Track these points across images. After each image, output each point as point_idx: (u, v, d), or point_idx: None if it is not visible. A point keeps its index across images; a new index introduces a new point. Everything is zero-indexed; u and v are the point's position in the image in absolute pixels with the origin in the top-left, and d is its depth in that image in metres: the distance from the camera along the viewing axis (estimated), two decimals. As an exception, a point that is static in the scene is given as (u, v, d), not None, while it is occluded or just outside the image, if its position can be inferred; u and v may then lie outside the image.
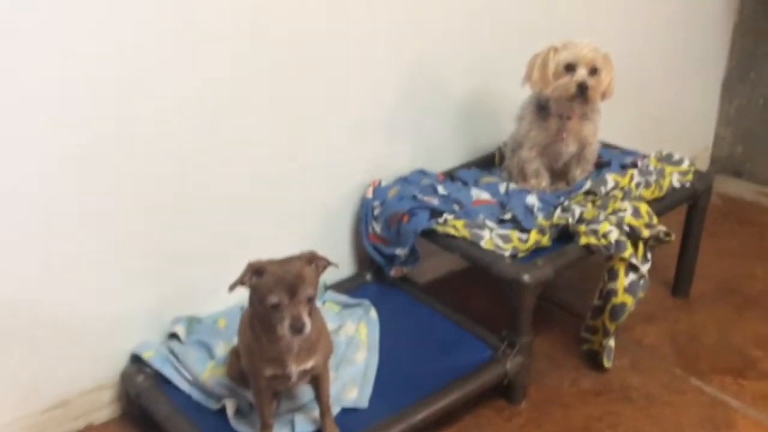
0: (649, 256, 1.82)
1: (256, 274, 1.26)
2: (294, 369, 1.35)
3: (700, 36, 2.73)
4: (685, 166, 1.99)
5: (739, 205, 2.76)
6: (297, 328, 1.23)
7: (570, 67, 1.80)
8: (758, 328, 2.03)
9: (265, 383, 1.39)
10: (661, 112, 2.70)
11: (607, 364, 1.84)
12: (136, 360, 1.63)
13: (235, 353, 1.50)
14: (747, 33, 2.77)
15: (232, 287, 1.25)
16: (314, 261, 1.30)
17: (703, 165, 2.97)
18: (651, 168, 1.99)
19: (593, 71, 1.80)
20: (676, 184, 1.95)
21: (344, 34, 1.78)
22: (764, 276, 2.26)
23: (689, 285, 2.16)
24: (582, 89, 1.79)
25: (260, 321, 1.30)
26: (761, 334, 2.00)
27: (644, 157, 2.04)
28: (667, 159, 2.04)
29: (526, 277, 1.63)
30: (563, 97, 1.82)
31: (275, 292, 1.22)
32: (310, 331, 1.29)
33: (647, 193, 1.89)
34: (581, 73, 1.79)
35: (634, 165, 1.99)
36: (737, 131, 2.91)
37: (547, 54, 1.82)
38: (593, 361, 1.86)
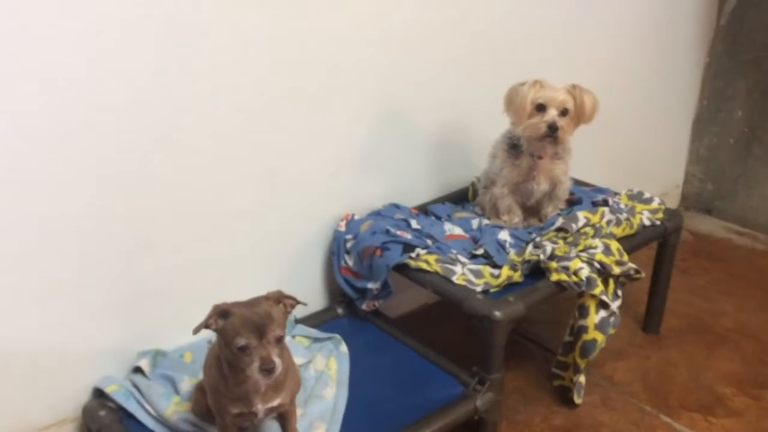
0: (619, 292, 1.83)
1: (221, 316, 1.23)
2: (260, 407, 1.33)
3: (671, 77, 2.79)
4: (655, 204, 2.02)
5: (709, 241, 2.80)
6: (267, 369, 1.21)
7: (541, 107, 1.82)
8: (728, 365, 2.04)
9: (230, 421, 1.36)
10: (633, 151, 2.75)
11: (577, 400, 1.83)
12: (99, 394, 1.59)
13: (200, 389, 1.47)
14: (717, 74, 2.84)
15: (196, 330, 1.23)
16: (282, 300, 1.29)
17: (674, 202, 3.02)
18: (622, 206, 2.01)
19: (564, 112, 1.83)
20: (647, 222, 1.97)
21: (319, 69, 1.79)
22: (734, 313, 2.28)
23: (660, 321, 2.17)
24: (552, 130, 1.82)
25: (228, 363, 1.27)
26: (730, 371, 2.02)
27: (615, 194, 2.07)
28: (638, 197, 2.07)
29: (497, 314, 1.63)
30: (534, 137, 1.84)
31: (243, 334, 1.20)
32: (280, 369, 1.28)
33: (618, 231, 1.90)
34: (551, 113, 1.82)
35: (605, 203, 2.01)
36: (708, 169, 2.97)
37: (521, 90, 1.84)
38: (564, 397, 1.86)
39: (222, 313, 1.24)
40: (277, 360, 1.21)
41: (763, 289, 2.44)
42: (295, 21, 1.71)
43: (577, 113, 1.85)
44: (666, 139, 2.92)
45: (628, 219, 1.93)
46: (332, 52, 1.81)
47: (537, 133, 1.83)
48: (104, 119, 1.47)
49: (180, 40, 1.53)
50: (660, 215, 2.00)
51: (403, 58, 1.96)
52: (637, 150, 2.77)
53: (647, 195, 2.06)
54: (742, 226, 2.88)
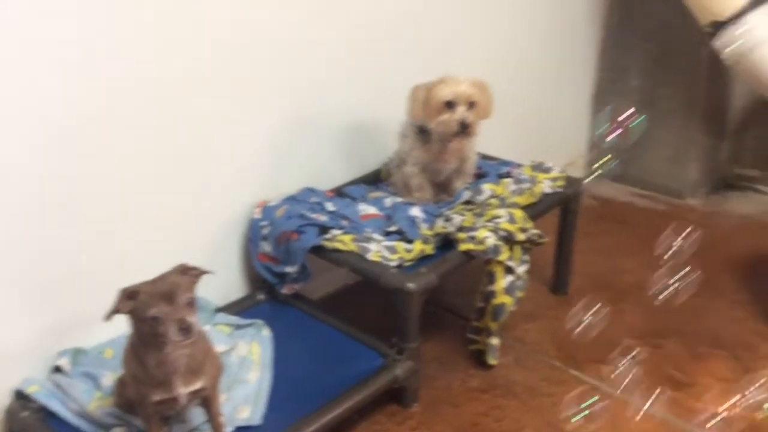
0: (526, 257, 1.95)
1: (129, 298, 1.27)
2: (182, 391, 1.37)
3: (570, 51, 2.93)
4: (555, 173, 2.14)
5: (613, 206, 2.97)
6: (184, 329, 1.26)
7: (450, 104, 1.90)
8: (630, 318, 2.20)
9: (153, 409, 1.40)
10: (537, 124, 2.89)
11: (492, 361, 1.95)
12: (21, 396, 1.59)
13: (121, 382, 1.50)
14: (614, 45, 2.99)
15: (107, 316, 1.26)
16: (187, 271, 1.34)
17: (580, 171, 3.18)
18: (524, 176, 2.12)
19: (471, 105, 1.91)
20: (548, 190, 2.09)
21: (232, 57, 1.82)
22: (634, 269, 2.44)
23: (567, 283, 2.31)
24: (463, 127, 1.91)
25: (145, 342, 1.31)
26: (632, 324, 2.17)
27: (519, 166, 2.18)
28: (539, 167, 2.18)
29: (410, 285, 1.72)
30: (446, 133, 1.93)
31: (153, 305, 1.25)
32: (196, 349, 1.32)
33: (521, 200, 2.02)
34: (461, 110, 1.90)
35: (509, 175, 2.13)
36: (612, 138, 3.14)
37: (426, 90, 1.92)
38: (480, 360, 1.96)
39: (130, 294, 1.28)
40: (191, 319, 1.26)
41: (656, 243, 2.61)
42: (205, 8, 1.74)
43: (480, 110, 1.94)
44: (568, 111, 3.06)
45: (530, 188, 2.05)
46: (243, 38, 1.84)
47: (449, 131, 1.92)
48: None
49: (87, 26, 1.53)
50: (561, 183, 2.13)
51: (312, 45, 2.00)
52: (541, 123, 2.91)
53: (548, 165, 2.18)
54: (643, 189, 3.06)
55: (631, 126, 2.16)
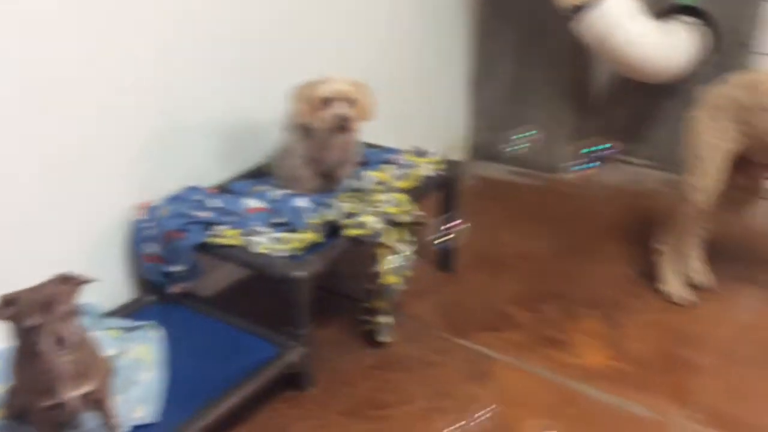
0: (413, 239, 2.04)
1: (8, 304, 1.27)
2: (69, 396, 1.37)
3: (445, 40, 3.06)
4: (435, 157, 2.25)
5: (495, 185, 3.13)
6: (60, 341, 1.26)
7: (328, 101, 1.97)
8: (511, 287, 2.34)
9: (43, 416, 1.39)
10: (419, 112, 3.01)
11: (384, 339, 2.03)
12: None
13: (11, 392, 1.47)
14: (485, 34, 3.15)
15: None
16: (67, 281, 1.34)
17: (463, 154, 3.33)
18: (406, 162, 2.22)
19: (350, 102, 1.99)
20: (429, 174, 2.20)
21: (104, 62, 1.81)
22: (511, 242, 2.61)
23: (453, 260, 2.43)
24: (342, 121, 1.98)
25: (25, 350, 1.30)
26: (513, 292, 2.32)
27: (400, 153, 2.28)
28: (420, 153, 2.28)
29: (297, 274, 1.77)
30: (326, 128, 1.99)
31: (30, 314, 1.25)
32: (81, 354, 1.33)
33: (404, 184, 2.11)
34: (339, 106, 1.97)
35: (391, 161, 2.22)
36: (490, 121, 3.29)
37: (307, 88, 1.99)
38: (373, 339, 2.05)
39: (8, 301, 1.27)
40: (66, 331, 1.27)
41: (537, 218, 2.80)
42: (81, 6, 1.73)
43: (359, 109, 2.02)
44: (448, 98, 3.20)
45: (411, 173, 2.15)
46: (115, 40, 1.83)
47: (328, 126, 1.98)
48: None
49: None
50: (440, 166, 2.24)
51: (184, 46, 2.01)
52: (423, 110, 3.03)
53: (429, 150, 2.29)
54: (522, 167, 3.24)
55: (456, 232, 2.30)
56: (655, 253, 2.29)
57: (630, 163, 3.23)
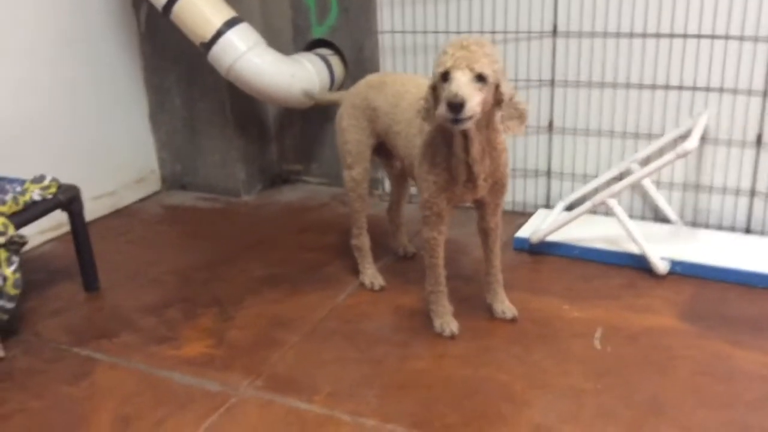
0: (14, 258, 2.18)
1: None
2: None
3: (117, 80, 3.28)
4: (46, 183, 2.41)
5: (177, 211, 3.36)
6: None
7: None
8: (147, 298, 2.53)
9: None
10: (103, 149, 3.24)
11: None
12: None
13: None
14: (154, 71, 3.39)
15: None
16: None
17: (154, 185, 3.53)
18: (10, 187, 2.37)
19: None
20: (37, 198, 2.35)
21: None
22: (170, 259, 2.83)
23: (96, 279, 2.59)
24: None
25: None
26: (147, 302, 2.50)
27: (14, 181, 2.42)
28: (36, 180, 2.43)
29: None
30: None
31: None
32: None
33: (5, 209, 2.25)
34: None
35: (7, 189, 2.36)
36: (172, 152, 3.53)
37: None
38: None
39: None
40: None
41: (205, 237, 3.04)
42: None
43: None
44: (131, 133, 3.40)
45: (15, 198, 2.30)
46: None
47: None
48: None
49: None
50: (53, 190, 2.41)
51: None
52: (106, 148, 3.26)
53: (46, 177, 2.44)
54: (207, 192, 3.49)
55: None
56: (353, 249, 2.57)
57: (306, 182, 3.59)
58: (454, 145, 1.97)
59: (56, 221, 2.92)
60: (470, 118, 1.79)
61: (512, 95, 1.91)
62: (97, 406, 1.97)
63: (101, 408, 1.96)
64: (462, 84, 1.77)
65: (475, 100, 1.78)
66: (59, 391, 2.04)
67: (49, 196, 2.37)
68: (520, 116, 1.92)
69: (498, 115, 1.93)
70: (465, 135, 1.92)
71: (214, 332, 2.31)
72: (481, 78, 1.80)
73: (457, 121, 1.79)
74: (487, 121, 1.93)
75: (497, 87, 1.88)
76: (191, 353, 2.21)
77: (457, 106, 1.75)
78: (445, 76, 1.81)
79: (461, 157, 1.98)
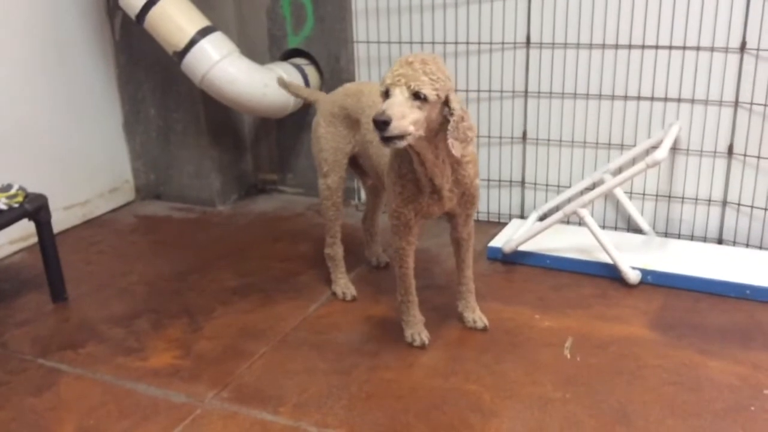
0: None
1: None
2: None
3: (90, 90, 3.26)
4: (12, 191, 2.38)
5: (151, 221, 3.33)
6: None
7: None
8: (116, 309, 2.50)
9: None
10: (74, 155, 3.20)
11: (-55, 368, 2.11)
12: None
13: None
14: (128, 81, 3.37)
15: None
16: None
17: (128, 195, 3.50)
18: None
19: None
20: (3, 207, 2.32)
21: None
22: (140, 270, 2.80)
23: (63, 290, 2.55)
24: None
25: None
26: (115, 312, 2.47)
27: (-13, 189, 2.39)
28: (3, 189, 2.40)
29: None
30: None
31: None
32: None
33: (-30, 217, 2.23)
34: None
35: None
36: (146, 162, 3.50)
37: None
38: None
39: None
40: None
41: (176, 246, 3.01)
42: None
43: None
44: (105, 143, 3.38)
45: (-20, 206, 2.27)
46: None
47: None
48: None
49: None
50: (20, 199, 2.37)
51: None
52: (80, 157, 3.23)
53: (13, 186, 2.41)
54: (183, 202, 3.46)
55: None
56: (326, 258, 2.55)
57: (281, 191, 3.57)
58: (413, 160, 1.96)
59: (26, 231, 2.89)
60: (401, 137, 1.75)
61: (461, 116, 1.85)
62: (61, 417, 1.93)
63: (64, 420, 1.92)
64: (394, 103, 1.74)
65: (408, 119, 1.74)
66: (22, 403, 2.00)
67: (16, 205, 2.34)
68: (464, 140, 1.87)
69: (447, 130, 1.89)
70: (416, 151, 1.90)
71: (182, 343, 2.28)
72: (418, 96, 1.76)
73: (385, 139, 1.76)
74: (438, 137, 1.89)
75: (447, 103, 1.84)
76: (158, 364, 2.18)
77: (380, 124, 1.72)
78: (386, 93, 1.80)
79: (420, 170, 1.97)
